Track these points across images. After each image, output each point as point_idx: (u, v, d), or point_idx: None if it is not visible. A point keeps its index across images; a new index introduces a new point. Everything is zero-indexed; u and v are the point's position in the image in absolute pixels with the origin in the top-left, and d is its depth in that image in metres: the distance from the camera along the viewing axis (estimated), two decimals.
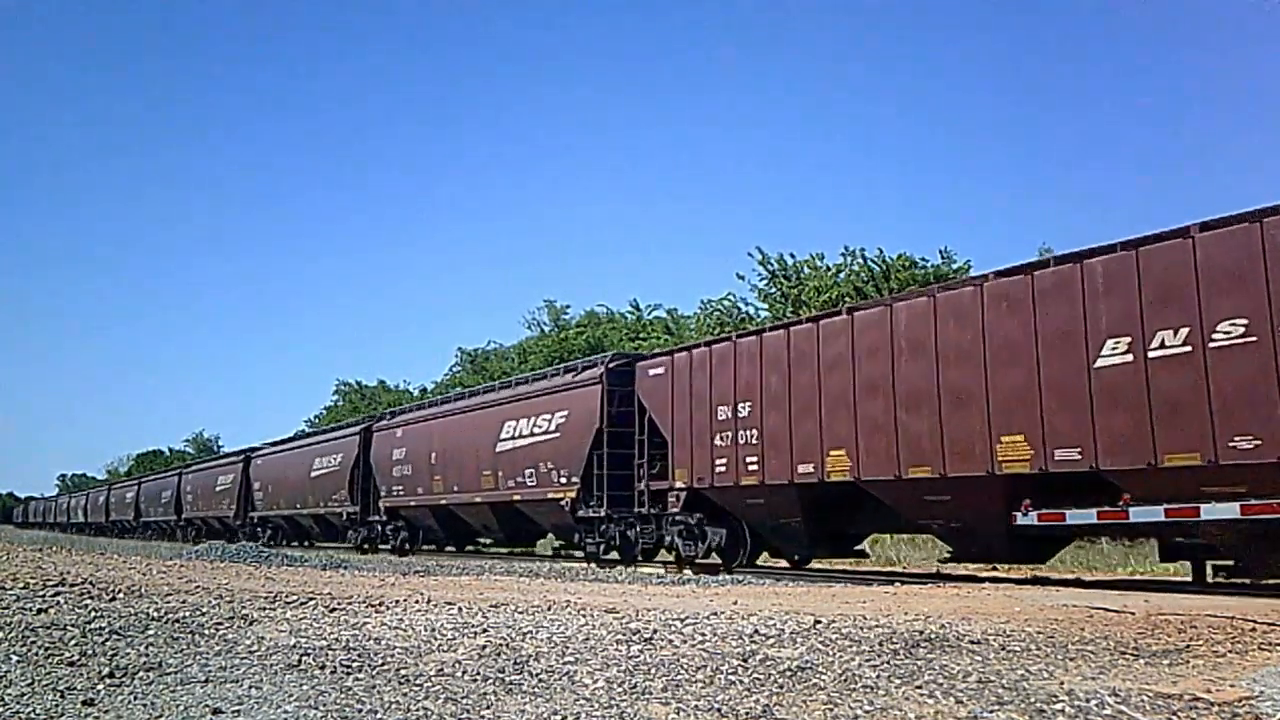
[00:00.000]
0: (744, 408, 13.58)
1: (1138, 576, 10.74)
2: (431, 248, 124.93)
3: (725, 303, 31.14)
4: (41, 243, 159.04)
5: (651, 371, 15.72)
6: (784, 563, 15.56)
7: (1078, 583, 11.94)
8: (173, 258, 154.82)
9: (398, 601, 7.20)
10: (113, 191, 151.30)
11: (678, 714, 3.88)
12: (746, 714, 3.88)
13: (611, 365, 16.81)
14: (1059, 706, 3.97)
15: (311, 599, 7.08)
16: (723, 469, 13.80)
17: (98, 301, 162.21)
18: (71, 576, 7.71)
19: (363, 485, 25.43)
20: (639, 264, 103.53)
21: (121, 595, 6.72)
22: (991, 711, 3.93)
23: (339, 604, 6.89)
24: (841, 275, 27.72)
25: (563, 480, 17.18)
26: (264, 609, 6.45)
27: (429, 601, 7.27)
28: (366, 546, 25.02)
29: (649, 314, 38.22)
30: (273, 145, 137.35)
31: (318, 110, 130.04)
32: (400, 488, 23.43)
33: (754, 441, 13.37)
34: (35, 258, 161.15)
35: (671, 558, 15.78)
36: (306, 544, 30.25)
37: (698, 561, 14.66)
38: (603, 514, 16.19)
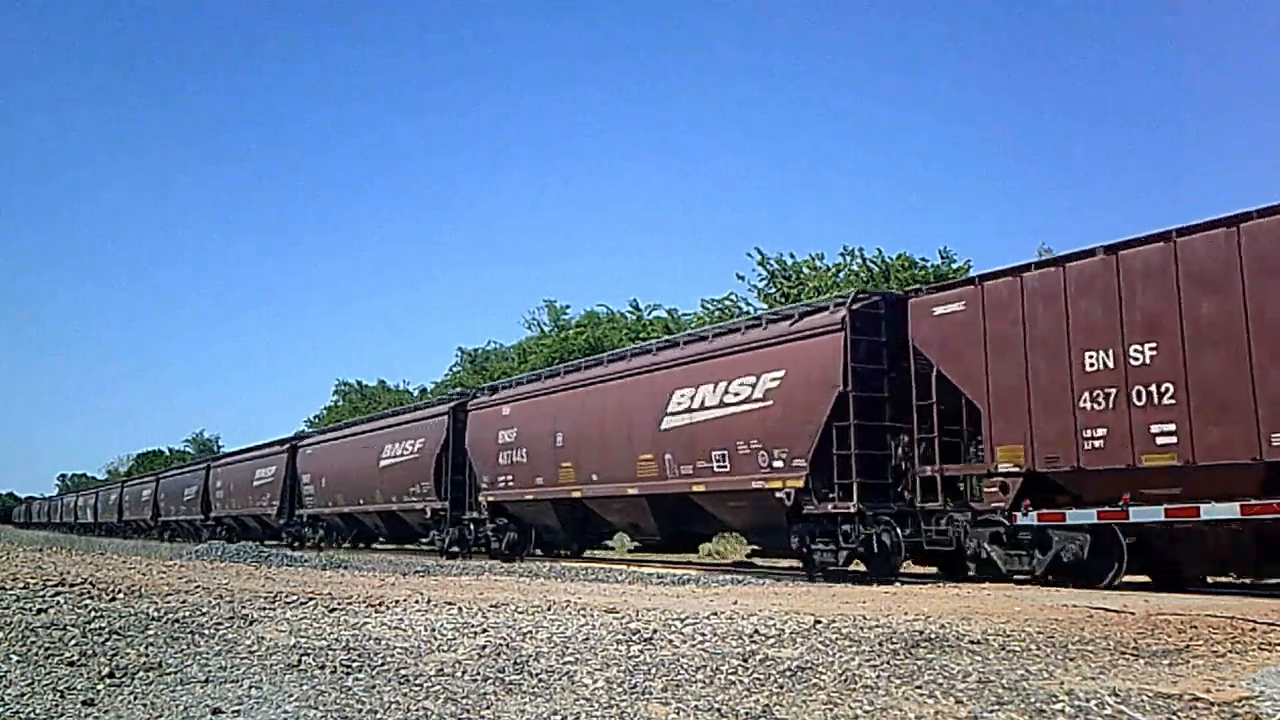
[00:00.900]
0: (1140, 352, 9.54)
1: (1138, 577, 10.70)
2: (431, 248, 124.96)
3: (725, 302, 31.16)
4: (41, 243, 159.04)
5: (939, 310, 11.53)
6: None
7: (1077, 583, 11.91)
8: (173, 258, 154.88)
9: (398, 601, 7.20)
10: (113, 191, 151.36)
11: (678, 714, 3.88)
12: (746, 714, 3.88)
13: (856, 307, 12.45)
14: (1059, 706, 3.97)
15: (311, 599, 7.07)
16: (1097, 444, 9.78)
17: (98, 301, 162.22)
18: (71, 576, 7.70)
19: (453, 476, 21.15)
20: (639, 264, 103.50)
21: (121, 595, 6.71)
22: (991, 711, 3.93)
23: (339, 604, 6.89)
24: (841, 275, 27.73)
25: (778, 464, 12.95)
26: (264, 609, 6.45)
27: (429, 601, 7.27)
28: (457, 550, 21.04)
29: (649, 314, 38.21)
30: (273, 145, 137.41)
31: (318, 110, 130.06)
32: (509, 477, 19.06)
33: (1166, 399, 9.28)
34: (35, 258, 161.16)
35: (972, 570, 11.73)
36: (369, 547, 26.70)
37: (1020, 576, 10.58)
38: (851, 509, 12.01)
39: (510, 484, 19.07)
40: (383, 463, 24.22)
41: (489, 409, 20.48)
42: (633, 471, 15.51)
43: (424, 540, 23.46)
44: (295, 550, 22.54)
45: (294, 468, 30.30)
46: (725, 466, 13.76)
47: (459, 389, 24.89)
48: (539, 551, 19.73)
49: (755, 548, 15.64)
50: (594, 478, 16.53)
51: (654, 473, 15.11)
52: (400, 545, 25.42)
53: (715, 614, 6.61)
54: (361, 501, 25.50)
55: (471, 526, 20.70)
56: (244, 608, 6.41)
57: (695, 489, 14.35)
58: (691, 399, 14.46)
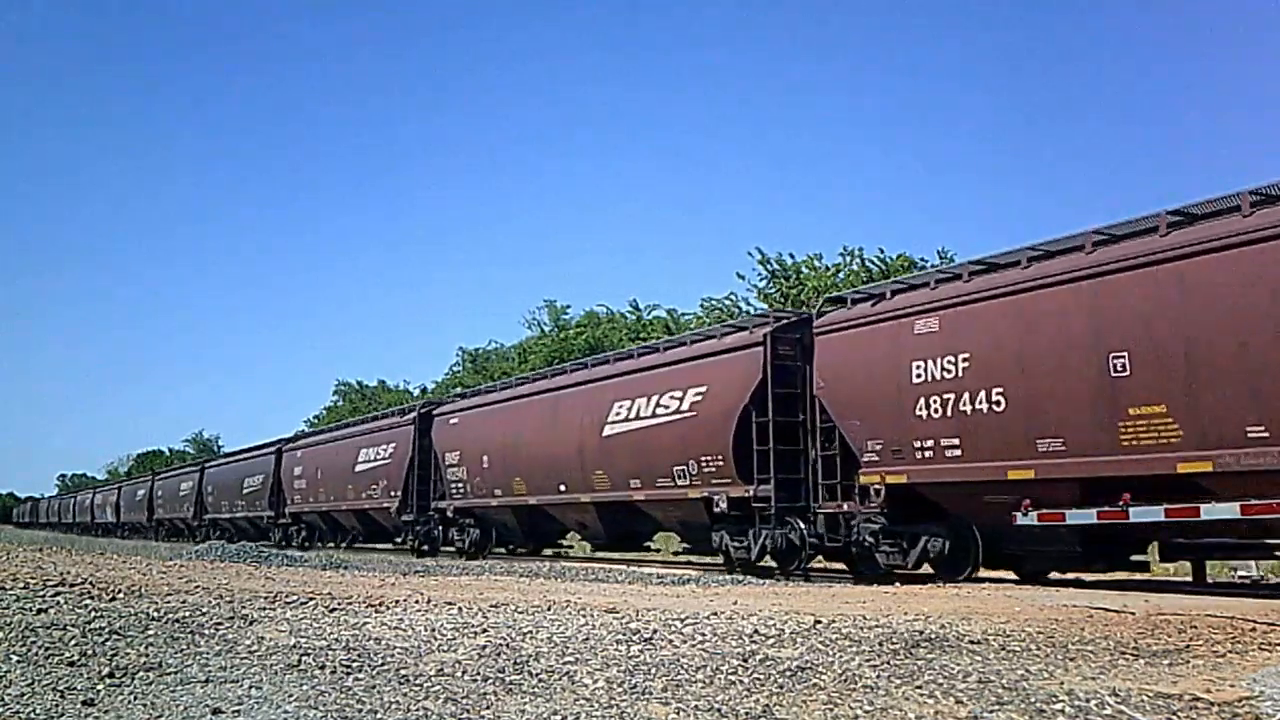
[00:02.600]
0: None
1: (1138, 576, 10.72)
2: (431, 248, 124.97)
3: (725, 302, 31.17)
4: (41, 243, 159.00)
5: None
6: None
7: (1078, 583, 11.93)
8: (173, 258, 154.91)
9: (398, 601, 7.20)
10: (113, 191, 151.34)
11: (678, 714, 3.88)
12: (746, 714, 3.88)
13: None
14: (1059, 706, 3.97)
15: (311, 599, 7.07)
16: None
17: (98, 301, 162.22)
18: (71, 576, 7.70)
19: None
20: (639, 264, 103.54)
21: (121, 595, 6.71)
22: (991, 711, 3.93)
23: (339, 604, 6.88)
24: (841, 275, 27.73)
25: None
26: (264, 609, 6.45)
27: (429, 601, 7.27)
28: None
29: (649, 314, 38.21)
30: (273, 145, 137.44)
31: (318, 110, 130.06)
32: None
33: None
34: (35, 258, 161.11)
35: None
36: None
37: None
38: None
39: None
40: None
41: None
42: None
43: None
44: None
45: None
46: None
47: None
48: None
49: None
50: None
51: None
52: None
53: (715, 614, 6.61)
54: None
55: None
56: (244, 608, 6.41)
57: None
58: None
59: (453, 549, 21.26)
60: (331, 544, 27.75)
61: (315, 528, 29.11)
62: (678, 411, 14.64)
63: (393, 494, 23.37)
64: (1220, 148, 78.76)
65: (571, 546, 20.71)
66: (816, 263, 29.03)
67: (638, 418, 15.44)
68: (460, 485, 20.75)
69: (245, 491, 33.32)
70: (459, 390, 24.96)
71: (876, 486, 11.64)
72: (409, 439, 22.94)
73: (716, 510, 14.00)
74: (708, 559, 16.66)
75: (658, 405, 15.08)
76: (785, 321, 13.78)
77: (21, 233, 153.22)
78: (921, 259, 27.35)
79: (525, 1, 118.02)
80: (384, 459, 24.12)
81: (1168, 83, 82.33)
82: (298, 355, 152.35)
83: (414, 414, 23.36)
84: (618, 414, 15.88)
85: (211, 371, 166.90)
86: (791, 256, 29.62)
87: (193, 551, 17.89)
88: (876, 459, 11.68)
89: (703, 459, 14.13)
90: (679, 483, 14.64)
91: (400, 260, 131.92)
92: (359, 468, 25.28)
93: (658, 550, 19.99)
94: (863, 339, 12.11)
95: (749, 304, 30.11)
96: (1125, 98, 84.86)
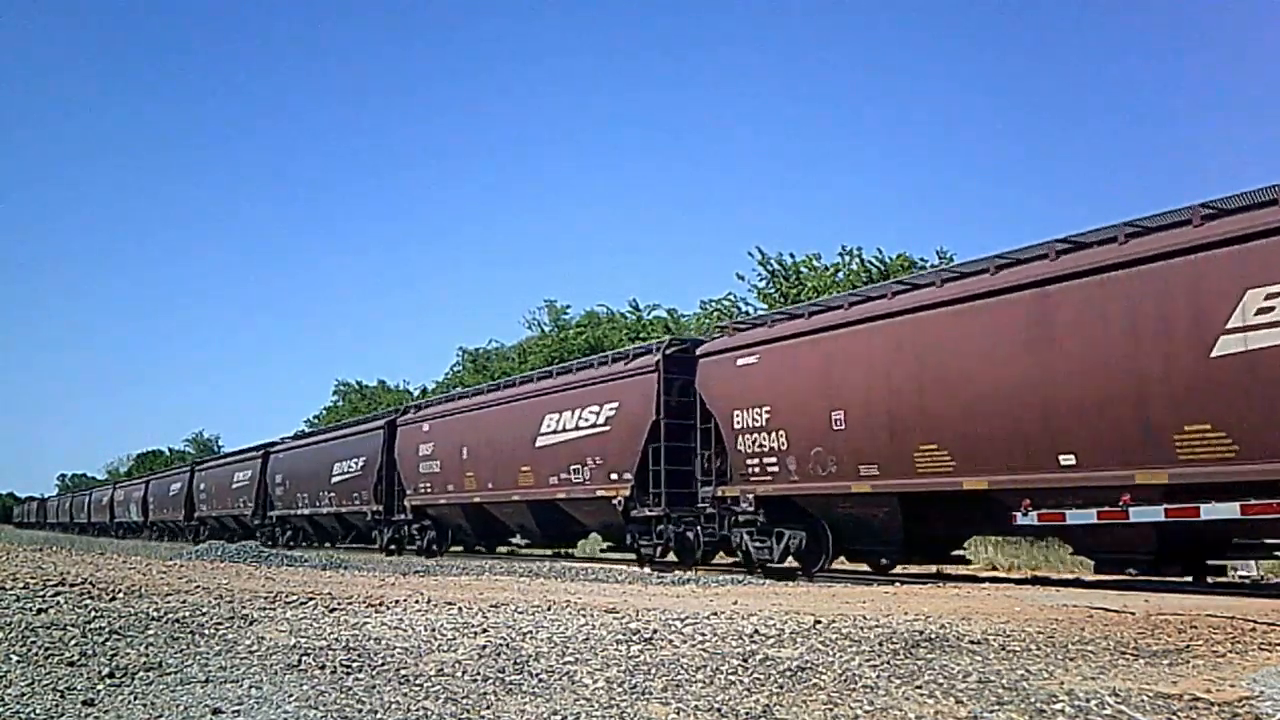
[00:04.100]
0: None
1: (1139, 576, 10.73)
2: (431, 248, 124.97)
3: (725, 302, 31.16)
4: (41, 243, 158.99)
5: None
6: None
7: (1078, 583, 11.95)
8: (173, 257, 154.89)
9: (398, 601, 7.20)
10: (113, 191, 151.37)
11: (678, 714, 3.88)
12: (746, 714, 3.88)
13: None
14: (1059, 706, 3.97)
15: (311, 599, 7.07)
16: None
17: (98, 301, 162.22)
18: (71, 576, 7.70)
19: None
20: (639, 264, 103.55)
21: (121, 595, 6.71)
22: (991, 711, 3.93)
23: (339, 604, 6.88)
24: (840, 275, 27.73)
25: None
26: (264, 609, 6.45)
27: (429, 601, 7.27)
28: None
29: (649, 314, 38.21)
30: (273, 145, 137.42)
31: (318, 110, 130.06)
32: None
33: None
34: (35, 258, 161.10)
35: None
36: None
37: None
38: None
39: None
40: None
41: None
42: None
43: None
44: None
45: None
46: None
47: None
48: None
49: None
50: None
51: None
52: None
53: (715, 614, 6.62)
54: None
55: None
56: (244, 608, 6.41)
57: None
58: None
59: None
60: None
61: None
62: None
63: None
64: (1220, 148, 78.79)
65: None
66: (816, 263, 29.04)
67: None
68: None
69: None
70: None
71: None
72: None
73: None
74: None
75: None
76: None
77: (21, 233, 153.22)
78: (921, 259, 27.38)
79: (525, 2, 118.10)
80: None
81: (1168, 83, 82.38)
82: (298, 355, 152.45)
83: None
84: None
85: (211, 371, 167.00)
86: (791, 256, 29.66)
87: (192, 551, 17.89)
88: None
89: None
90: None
91: (400, 260, 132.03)
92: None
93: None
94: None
95: (748, 304, 30.14)
96: (1126, 98, 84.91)
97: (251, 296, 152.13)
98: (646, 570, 14.30)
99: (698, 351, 15.06)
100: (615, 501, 15.79)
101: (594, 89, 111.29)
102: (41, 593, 6.55)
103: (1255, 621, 6.34)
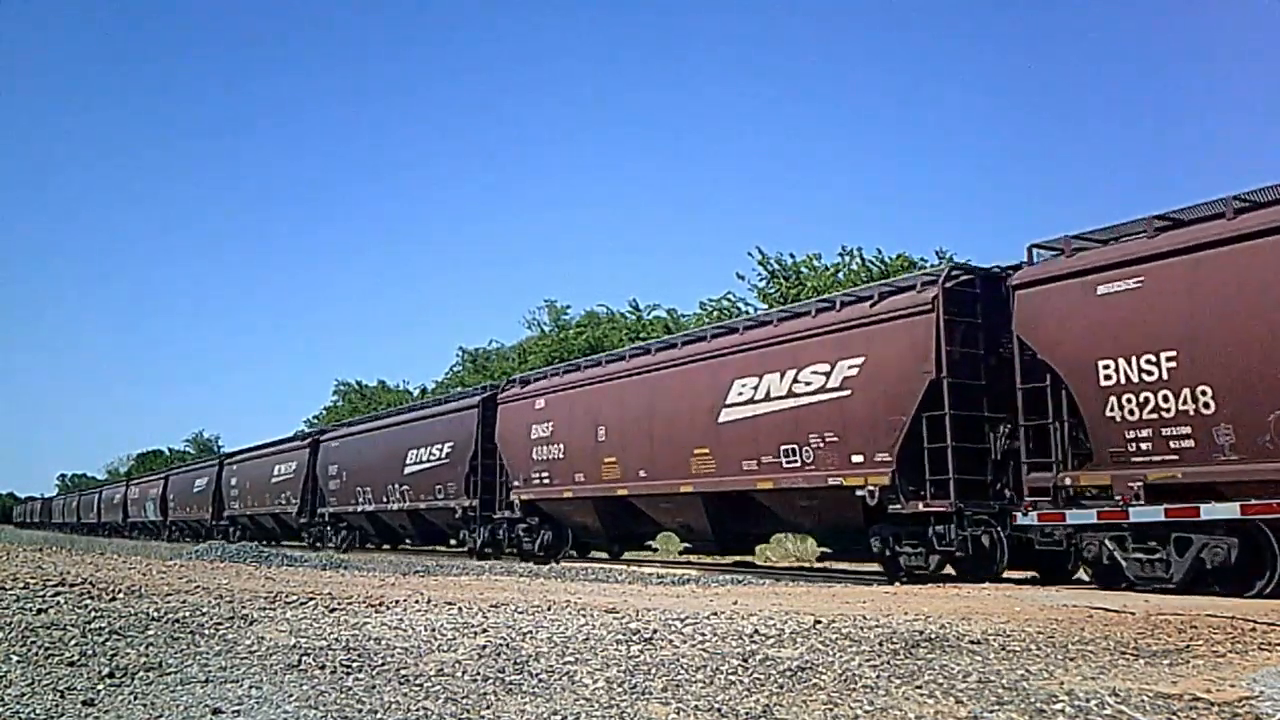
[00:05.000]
0: None
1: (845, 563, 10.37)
2: (431, 248, 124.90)
3: (725, 302, 31.15)
4: (42, 242, 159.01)
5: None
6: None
7: (1078, 583, 11.94)
8: (172, 258, 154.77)
9: (398, 601, 7.20)
10: (113, 191, 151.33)
11: (678, 714, 3.88)
12: (746, 714, 3.88)
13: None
14: (1059, 706, 3.98)
15: (311, 599, 7.07)
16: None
17: (98, 301, 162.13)
18: (71, 576, 7.70)
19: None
20: (639, 264, 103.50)
21: (121, 595, 6.71)
22: (991, 711, 3.93)
23: (339, 604, 6.89)
24: (840, 275, 27.74)
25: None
26: (264, 609, 6.45)
27: (429, 601, 7.27)
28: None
29: (649, 314, 38.20)
30: (272, 145, 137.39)
31: (317, 110, 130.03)
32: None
33: None
34: (35, 257, 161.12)
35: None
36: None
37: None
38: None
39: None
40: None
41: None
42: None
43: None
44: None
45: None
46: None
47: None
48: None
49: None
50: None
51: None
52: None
53: (715, 614, 6.62)
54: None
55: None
56: (244, 608, 6.41)
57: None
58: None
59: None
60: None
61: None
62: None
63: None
64: (1220, 149, 78.80)
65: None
66: (816, 263, 29.05)
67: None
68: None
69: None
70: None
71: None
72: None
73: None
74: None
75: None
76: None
77: (22, 233, 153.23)
78: (921, 259, 27.36)
79: (525, 1, 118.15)
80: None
81: (1168, 83, 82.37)
82: (298, 355, 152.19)
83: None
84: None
85: (211, 371, 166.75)
86: (791, 256, 29.65)
87: (193, 551, 17.89)
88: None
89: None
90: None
91: (400, 260, 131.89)
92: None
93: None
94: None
95: (748, 304, 30.14)
96: (1126, 98, 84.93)
97: (251, 296, 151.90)
98: (893, 588, 10.38)
99: (1014, 281, 10.74)
100: (864, 492, 11.69)
101: (594, 89, 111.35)
102: (41, 593, 6.55)
103: (1255, 621, 6.34)
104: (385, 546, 25.81)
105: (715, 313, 30.86)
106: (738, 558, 15.50)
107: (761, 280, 29.83)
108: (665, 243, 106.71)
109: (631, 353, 17.29)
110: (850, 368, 12.11)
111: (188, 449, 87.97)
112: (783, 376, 13.05)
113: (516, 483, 18.89)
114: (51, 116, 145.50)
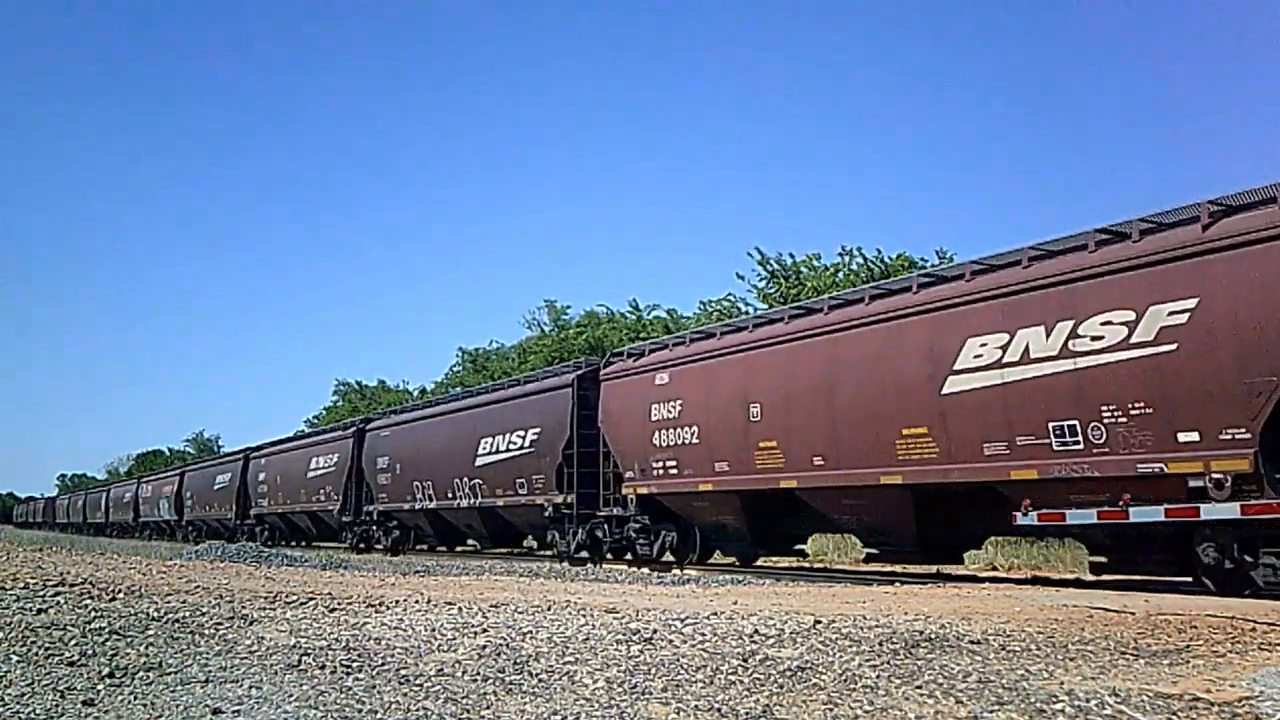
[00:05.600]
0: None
1: (1140, 576, 10.66)
2: (431, 248, 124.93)
3: (725, 302, 31.15)
4: (42, 242, 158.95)
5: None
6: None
7: (1078, 583, 11.94)
8: (173, 258, 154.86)
9: (398, 601, 7.20)
10: (113, 192, 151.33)
11: (678, 714, 3.88)
12: (746, 714, 3.88)
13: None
14: (1059, 706, 3.97)
15: (311, 599, 7.07)
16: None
17: (98, 301, 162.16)
18: (71, 576, 7.70)
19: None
20: (639, 264, 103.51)
21: (121, 595, 6.71)
22: (991, 711, 3.93)
23: (339, 604, 6.89)
24: (840, 275, 27.73)
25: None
26: (264, 609, 6.45)
27: (429, 601, 7.27)
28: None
29: (649, 314, 38.19)
30: (272, 145, 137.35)
31: (317, 111, 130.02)
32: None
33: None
34: (35, 258, 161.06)
35: None
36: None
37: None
38: None
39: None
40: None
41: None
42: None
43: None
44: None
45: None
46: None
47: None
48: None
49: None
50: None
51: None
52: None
53: (715, 614, 6.61)
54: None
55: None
56: (244, 608, 6.41)
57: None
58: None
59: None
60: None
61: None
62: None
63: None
64: (1220, 149, 78.76)
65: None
66: (816, 262, 29.04)
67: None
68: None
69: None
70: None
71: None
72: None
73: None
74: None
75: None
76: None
77: (22, 233, 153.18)
78: (921, 259, 27.36)
79: (525, 1, 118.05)
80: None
81: (1168, 83, 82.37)
82: (298, 355, 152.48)
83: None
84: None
85: (211, 371, 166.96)
86: (791, 256, 29.64)
87: (192, 551, 17.89)
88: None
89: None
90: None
91: (400, 260, 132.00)
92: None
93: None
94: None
95: (748, 304, 30.13)
96: (1126, 98, 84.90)
97: (251, 296, 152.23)
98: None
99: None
100: (1205, 482, 8.79)
101: (594, 89, 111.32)
102: (41, 593, 6.55)
103: (1255, 621, 6.34)
104: (442, 549, 23.32)
105: (715, 313, 30.85)
106: (939, 567, 13.03)
107: (761, 280, 29.85)
108: (665, 243, 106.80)
109: (792, 313, 13.89)
110: (1172, 314, 9.03)
111: (188, 449, 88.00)
112: (1049, 331, 9.97)
113: (630, 474, 15.95)
114: (52, 116, 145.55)
